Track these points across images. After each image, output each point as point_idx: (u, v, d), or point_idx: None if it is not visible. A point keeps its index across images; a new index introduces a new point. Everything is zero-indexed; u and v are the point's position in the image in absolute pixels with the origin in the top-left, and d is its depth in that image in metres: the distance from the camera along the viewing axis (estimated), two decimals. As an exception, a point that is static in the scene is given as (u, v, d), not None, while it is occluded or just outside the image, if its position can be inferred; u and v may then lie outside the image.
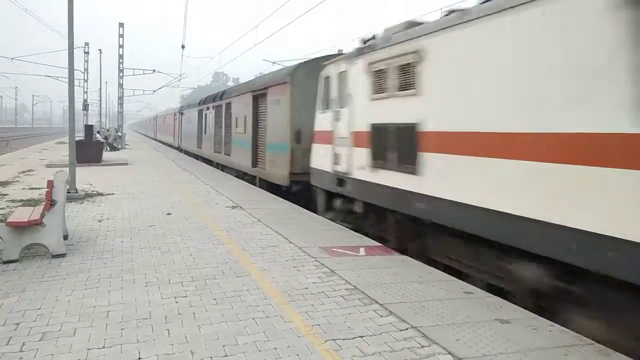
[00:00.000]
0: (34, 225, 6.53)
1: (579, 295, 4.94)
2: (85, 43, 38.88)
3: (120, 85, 38.42)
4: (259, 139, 15.71)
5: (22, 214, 6.83)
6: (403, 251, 7.54)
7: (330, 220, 10.01)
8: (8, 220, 6.54)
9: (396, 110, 7.65)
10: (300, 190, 12.44)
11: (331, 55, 12.24)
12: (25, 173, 17.37)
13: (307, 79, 12.31)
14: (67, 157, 12.76)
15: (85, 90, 38.50)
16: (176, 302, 5.08)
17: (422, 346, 4.17)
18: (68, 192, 10.47)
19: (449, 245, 6.88)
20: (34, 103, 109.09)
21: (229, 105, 19.98)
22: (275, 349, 4.05)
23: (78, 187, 12.50)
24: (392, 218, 8.14)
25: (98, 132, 34.92)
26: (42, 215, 6.68)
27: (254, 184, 15.69)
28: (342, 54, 11.12)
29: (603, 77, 4.42)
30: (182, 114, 35.52)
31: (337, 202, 10.07)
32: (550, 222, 4.85)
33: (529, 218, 5.09)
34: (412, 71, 7.23)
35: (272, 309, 4.96)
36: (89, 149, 21.32)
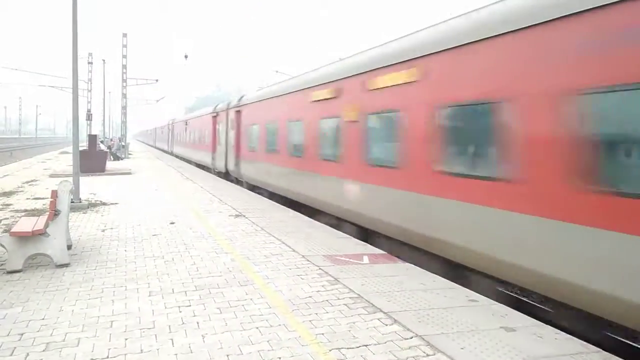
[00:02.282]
0: (38, 235, 6.54)
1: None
2: (89, 53, 39.17)
3: (124, 95, 38.63)
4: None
5: (26, 224, 6.84)
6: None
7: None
8: (12, 230, 6.55)
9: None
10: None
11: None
12: (29, 183, 17.43)
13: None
14: (71, 167, 12.80)
15: (89, 100, 38.72)
16: (180, 312, 5.07)
17: (427, 355, 4.15)
18: (72, 202, 10.50)
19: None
20: (38, 113, 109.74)
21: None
22: (280, 358, 4.03)
23: (82, 196, 12.53)
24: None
25: (101, 142, 35.09)
26: (46, 225, 6.69)
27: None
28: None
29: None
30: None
31: None
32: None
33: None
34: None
35: (276, 318, 4.94)
36: (92, 159, 21.40)
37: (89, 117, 31.06)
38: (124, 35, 36.48)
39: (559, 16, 5.22)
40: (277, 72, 35.37)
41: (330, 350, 4.19)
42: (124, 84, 38.05)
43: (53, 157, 35.78)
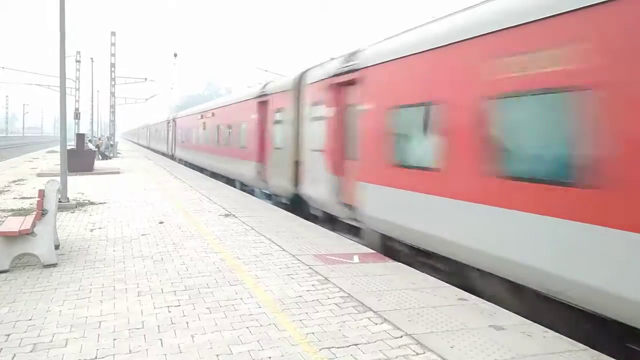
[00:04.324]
0: (25, 235, 6.46)
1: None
2: (77, 52, 38.79)
3: (112, 94, 38.32)
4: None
5: (13, 224, 6.76)
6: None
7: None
8: (-2, 230, 6.47)
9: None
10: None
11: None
12: (16, 182, 17.24)
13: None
14: (59, 166, 12.67)
15: (77, 98, 38.35)
16: (169, 312, 5.04)
17: (417, 354, 4.16)
18: (59, 202, 10.38)
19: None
20: (25, 112, 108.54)
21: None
22: (270, 358, 4.03)
23: (69, 196, 12.42)
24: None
25: (90, 141, 34.78)
26: (33, 225, 6.61)
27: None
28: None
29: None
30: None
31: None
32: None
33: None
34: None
35: (266, 317, 4.93)
36: (80, 158, 21.20)
37: (77, 115, 30.75)
38: (112, 33, 36.18)
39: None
40: (266, 71, 35.39)
41: (320, 350, 4.19)
42: (112, 83, 37.74)
43: (40, 156, 35.40)
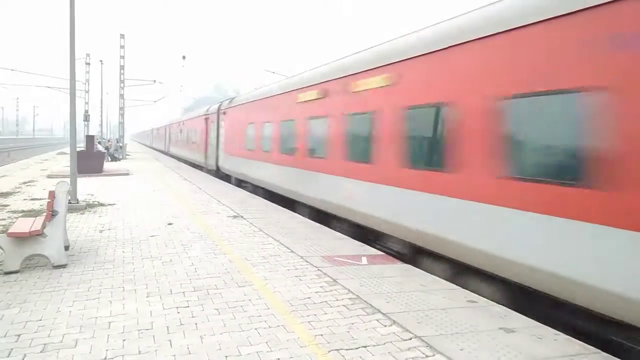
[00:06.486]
0: (35, 236, 6.51)
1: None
2: (87, 54, 39.07)
3: (121, 96, 38.56)
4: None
5: (23, 225, 6.81)
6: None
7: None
8: (9, 231, 6.51)
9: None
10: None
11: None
12: (27, 184, 17.38)
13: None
14: (68, 168, 12.76)
15: (87, 100, 38.65)
16: (178, 313, 5.05)
17: (427, 356, 4.14)
18: (69, 203, 10.46)
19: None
20: (35, 114, 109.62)
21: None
22: (279, 359, 4.02)
23: (79, 197, 12.50)
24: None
25: (99, 143, 35.04)
26: (43, 226, 6.66)
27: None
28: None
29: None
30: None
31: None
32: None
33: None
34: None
35: (274, 319, 4.93)
36: (90, 160, 21.33)
37: (86, 117, 30.96)
38: (122, 36, 36.42)
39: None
40: (273, 72, 35.54)
41: (329, 352, 4.18)
42: (122, 85, 37.97)
43: (50, 158, 35.69)
